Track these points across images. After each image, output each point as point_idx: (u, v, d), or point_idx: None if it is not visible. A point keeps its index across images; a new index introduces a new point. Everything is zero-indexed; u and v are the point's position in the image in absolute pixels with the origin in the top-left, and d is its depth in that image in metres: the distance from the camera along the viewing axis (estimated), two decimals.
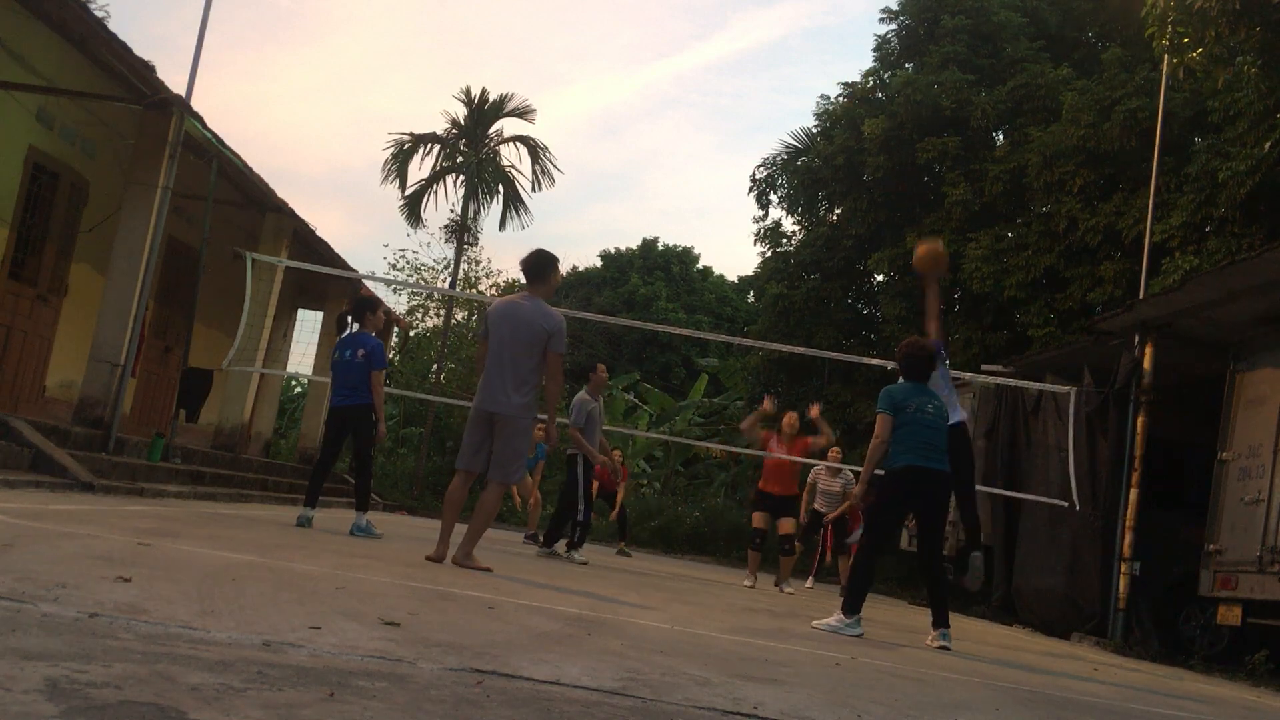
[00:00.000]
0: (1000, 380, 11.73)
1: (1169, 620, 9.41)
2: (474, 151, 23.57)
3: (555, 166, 23.93)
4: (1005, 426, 11.99)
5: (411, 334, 27.56)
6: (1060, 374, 11.23)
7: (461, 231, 23.83)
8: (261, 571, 4.13)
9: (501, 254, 37.73)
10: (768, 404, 10.36)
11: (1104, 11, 18.05)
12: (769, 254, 22.23)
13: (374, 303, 8.37)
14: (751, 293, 32.71)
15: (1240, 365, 8.61)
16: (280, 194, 12.23)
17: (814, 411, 10.23)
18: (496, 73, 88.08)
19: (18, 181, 9.56)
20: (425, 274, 26.66)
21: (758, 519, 10.33)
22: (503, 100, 23.65)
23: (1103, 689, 5.15)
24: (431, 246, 39.44)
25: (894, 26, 20.93)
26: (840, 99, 21.15)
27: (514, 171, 23.92)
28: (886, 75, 20.75)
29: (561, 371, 6.41)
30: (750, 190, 22.35)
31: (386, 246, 40.28)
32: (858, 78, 21.77)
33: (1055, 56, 18.50)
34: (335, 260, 14.25)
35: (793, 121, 78.00)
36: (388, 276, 25.64)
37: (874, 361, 12.28)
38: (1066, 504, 9.88)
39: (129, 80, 9.12)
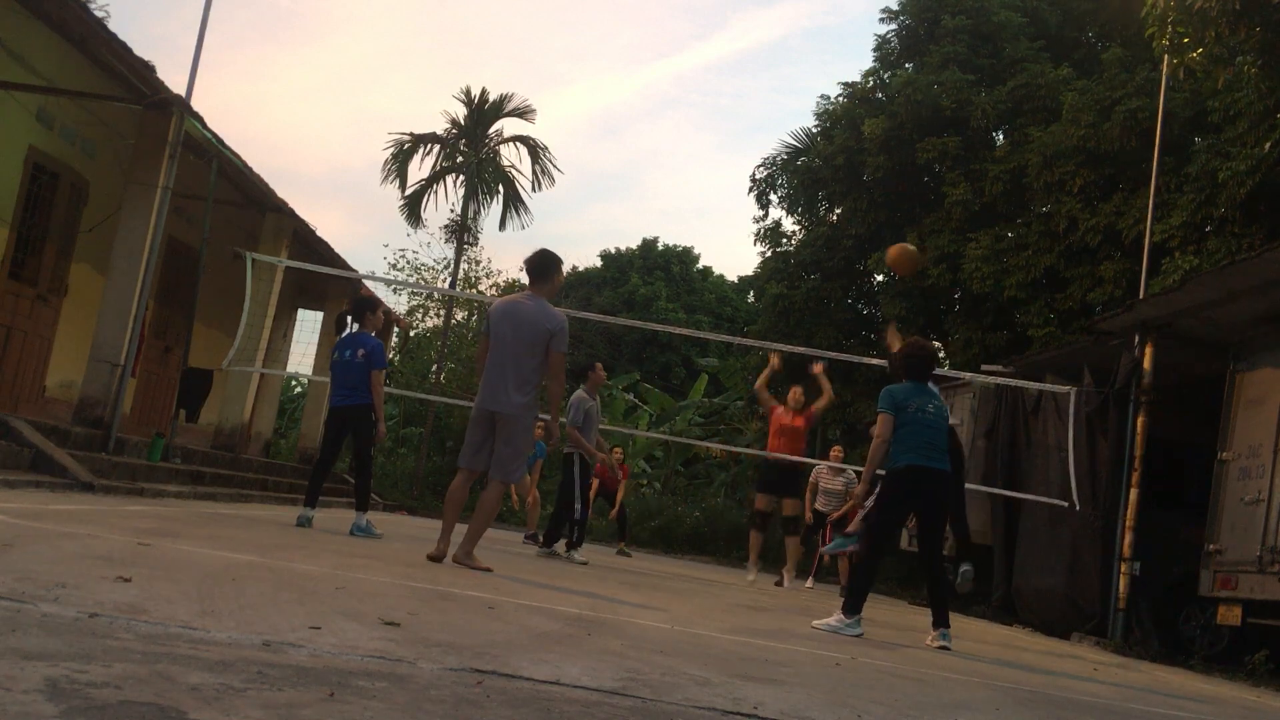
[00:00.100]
0: (1000, 380, 11.73)
1: (1169, 620, 9.40)
2: (474, 151, 23.58)
3: (555, 166, 23.99)
4: (1005, 426, 11.99)
5: (411, 334, 27.58)
6: (1060, 374, 11.22)
7: (461, 231, 23.84)
8: (261, 571, 4.13)
9: (501, 254, 37.84)
10: (775, 360, 10.37)
11: (1104, 11, 18.02)
12: (769, 254, 22.20)
13: (374, 303, 8.38)
14: (751, 293, 32.70)
15: (1240, 365, 8.61)
16: (280, 194, 12.26)
17: (817, 368, 10.22)
18: (496, 73, 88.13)
19: (18, 181, 9.56)
20: (425, 274, 26.69)
21: (761, 501, 10.30)
22: (503, 100, 23.66)
23: (1103, 689, 5.15)
24: (431, 246, 39.52)
25: (894, 26, 20.91)
26: (840, 99, 21.12)
27: (514, 171, 23.96)
28: (886, 75, 20.72)
29: (564, 371, 6.42)
30: (750, 190, 22.33)
31: (386, 246, 40.38)
32: (858, 78, 21.75)
33: (1055, 56, 18.48)
34: (335, 260, 14.25)
35: (793, 121, 78.06)
36: (388, 276, 25.71)
37: (874, 361, 12.28)
38: (1066, 504, 9.87)
39: (129, 80, 9.12)
